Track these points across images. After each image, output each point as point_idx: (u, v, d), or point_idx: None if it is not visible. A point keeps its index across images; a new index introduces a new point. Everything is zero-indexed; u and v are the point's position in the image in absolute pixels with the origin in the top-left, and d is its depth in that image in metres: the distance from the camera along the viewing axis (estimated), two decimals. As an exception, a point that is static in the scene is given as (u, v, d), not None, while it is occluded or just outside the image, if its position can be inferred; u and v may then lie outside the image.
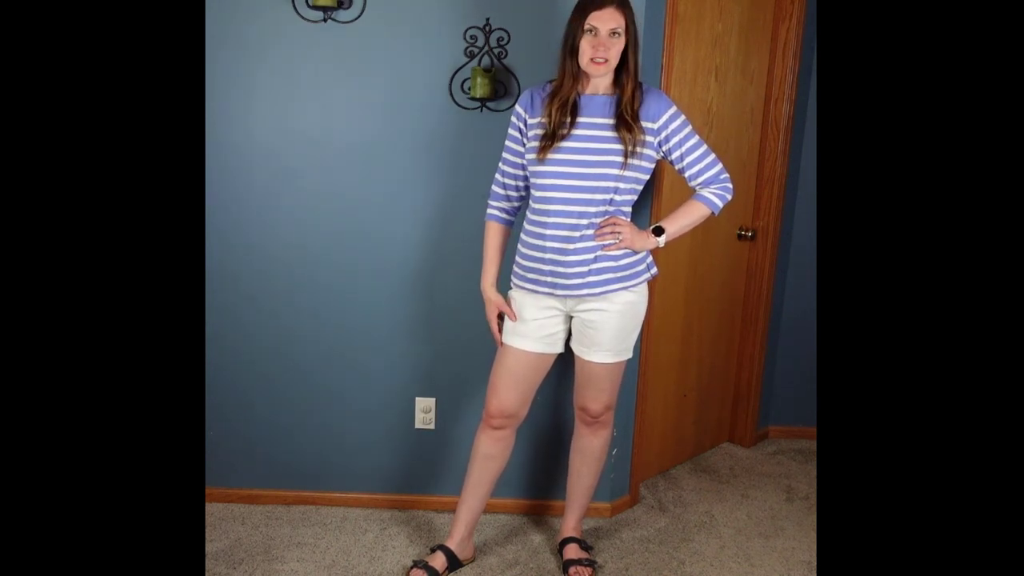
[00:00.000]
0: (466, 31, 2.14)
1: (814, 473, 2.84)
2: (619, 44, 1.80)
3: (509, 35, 2.13)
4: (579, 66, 1.83)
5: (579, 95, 1.87)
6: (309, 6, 2.13)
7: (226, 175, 2.25)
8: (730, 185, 1.96)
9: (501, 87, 2.17)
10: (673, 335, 2.68)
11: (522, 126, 1.93)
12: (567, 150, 1.85)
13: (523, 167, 1.96)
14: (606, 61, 1.79)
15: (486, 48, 2.15)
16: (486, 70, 2.12)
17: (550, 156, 1.85)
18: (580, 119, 1.86)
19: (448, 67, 2.17)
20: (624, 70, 1.84)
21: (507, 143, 1.98)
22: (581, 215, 1.86)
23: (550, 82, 1.92)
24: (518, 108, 1.94)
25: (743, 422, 3.04)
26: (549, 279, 1.92)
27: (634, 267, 1.94)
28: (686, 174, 1.94)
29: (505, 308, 2.01)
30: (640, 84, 1.89)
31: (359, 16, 2.15)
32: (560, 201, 1.87)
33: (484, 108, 2.19)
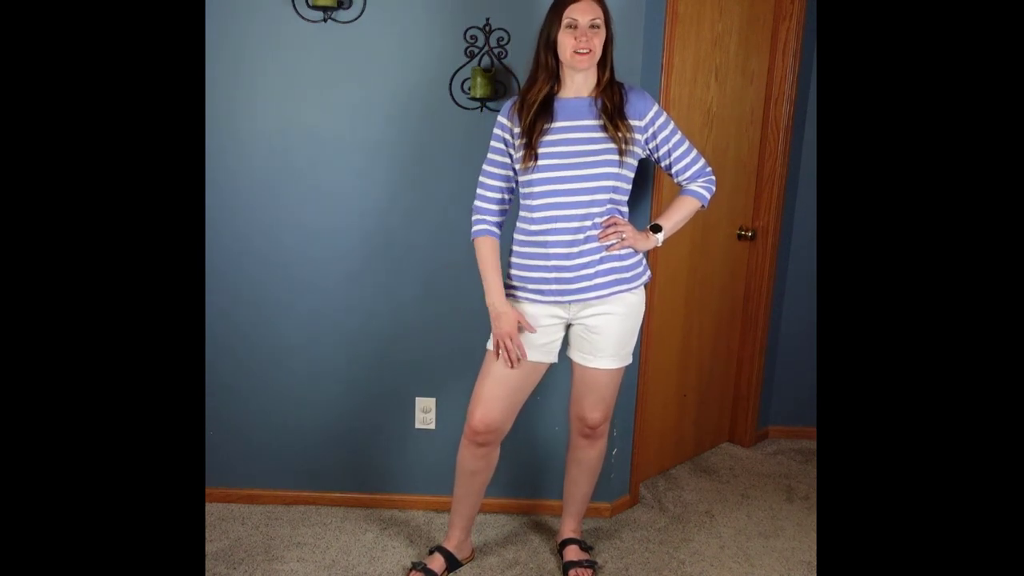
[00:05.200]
0: (466, 31, 2.14)
1: (814, 473, 2.84)
2: (600, 36, 1.79)
3: (509, 35, 2.13)
4: (558, 62, 1.82)
5: (556, 97, 1.85)
6: (309, 6, 2.13)
7: (226, 175, 2.25)
8: (714, 177, 1.99)
9: (501, 87, 2.17)
10: (673, 335, 2.68)
11: (508, 137, 1.90)
12: (561, 155, 1.83)
13: (509, 179, 1.94)
14: (590, 52, 1.77)
15: (486, 48, 2.15)
16: (486, 70, 2.12)
17: (543, 163, 1.83)
18: (566, 122, 1.84)
19: (448, 67, 2.17)
20: (602, 66, 1.84)
21: (492, 156, 1.93)
22: (585, 217, 1.85)
23: None
24: (502, 119, 1.90)
25: (743, 422, 3.04)
26: (554, 286, 1.89)
27: (635, 268, 1.94)
28: (673, 169, 1.95)
29: (524, 321, 1.90)
30: (621, 83, 1.89)
31: (359, 16, 2.15)
32: (562, 206, 1.84)
33: (484, 108, 2.19)
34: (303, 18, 2.15)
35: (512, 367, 1.91)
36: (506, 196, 1.96)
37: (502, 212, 1.97)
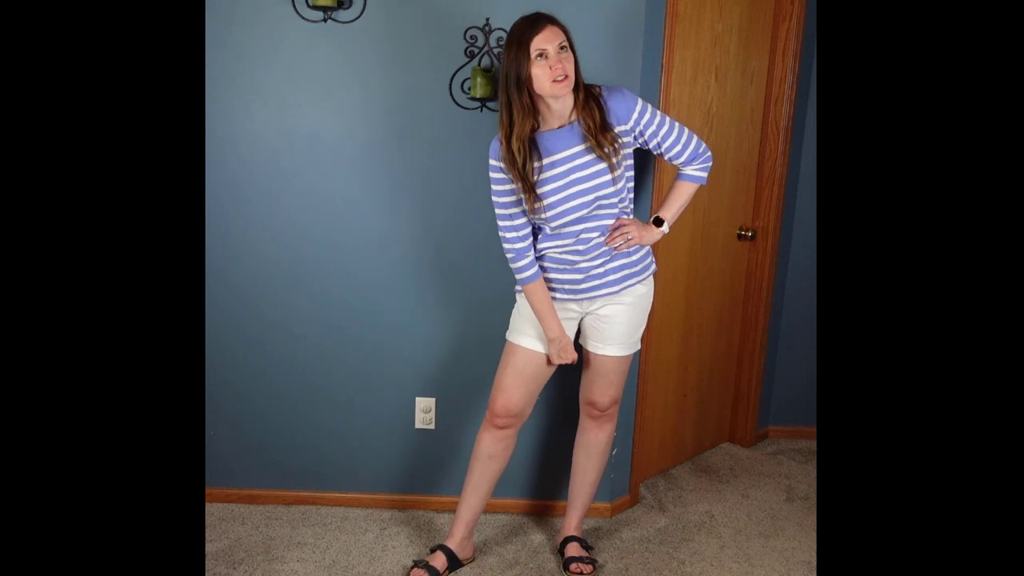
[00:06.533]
0: (466, 31, 2.14)
1: (814, 473, 2.84)
2: (571, 59, 1.76)
3: (509, 35, 2.13)
4: (532, 97, 1.78)
5: (538, 133, 1.84)
6: (309, 6, 2.13)
7: (225, 175, 2.25)
8: (710, 153, 1.98)
9: (501, 87, 2.16)
10: (673, 335, 2.68)
11: (510, 178, 1.87)
12: (561, 188, 1.85)
13: (526, 211, 1.91)
14: (567, 77, 1.74)
15: (486, 48, 2.15)
16: (486, 70, 2.12)
17: (547, 201, 1.85)
18: (555, 156, 1.83)
19: (448, 67, 2.17)
20: (575, 87, 1.80)
21: (502, 199, 1.90)
22: (595, 229, 1.91)
23: None
24: (495, 162, 1.87)
25: (743, 422, 3.04)
26: (568, 287, 1.96)
27: (643, 261, 2.00)
28: (667, 156, 1.95)
29: (572, 348, 1.98)
30: (597, 89, 1.86)
31: (359, 16, 2.15)
32: (572, 225, 1.90)
33: (484, 108, 2.19)
34: (303, 18, 2.14)
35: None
36: (532, 227, 1.96)
37: (534, 244, 1.96)
